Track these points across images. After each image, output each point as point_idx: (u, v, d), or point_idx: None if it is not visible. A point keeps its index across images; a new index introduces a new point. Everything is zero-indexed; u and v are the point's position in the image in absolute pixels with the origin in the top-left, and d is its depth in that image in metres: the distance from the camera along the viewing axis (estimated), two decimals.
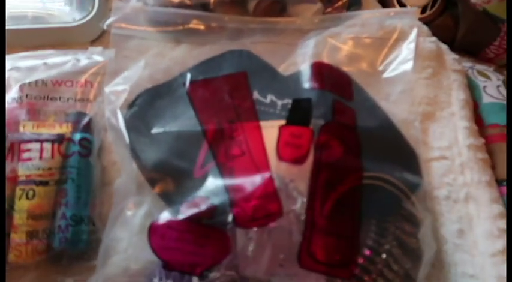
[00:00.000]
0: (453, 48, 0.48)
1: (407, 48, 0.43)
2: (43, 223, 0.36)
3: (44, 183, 0.37)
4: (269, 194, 0.34)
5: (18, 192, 0.37)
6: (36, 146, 0.38)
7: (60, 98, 0.42)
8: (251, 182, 0.35)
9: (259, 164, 0.36)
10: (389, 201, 0.37)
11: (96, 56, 0.45)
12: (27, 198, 0.37)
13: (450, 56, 0.47)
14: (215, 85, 0.40)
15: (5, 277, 0.34)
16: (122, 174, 0.39)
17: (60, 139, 0.39)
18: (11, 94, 0.41)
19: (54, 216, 0.37)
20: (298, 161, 0.36)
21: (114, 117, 0.40)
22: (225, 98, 0.40)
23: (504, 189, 0.40)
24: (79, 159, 0.39)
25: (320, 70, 0.41)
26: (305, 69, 0.41)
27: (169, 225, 0.34)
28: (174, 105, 0.40)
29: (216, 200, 0.34)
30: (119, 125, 0.39)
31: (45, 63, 0.44)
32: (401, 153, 0.40)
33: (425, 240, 0.36)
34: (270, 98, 0.40)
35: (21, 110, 0.40)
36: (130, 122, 0.40)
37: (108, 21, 0.44)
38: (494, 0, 0.41)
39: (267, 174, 0.35)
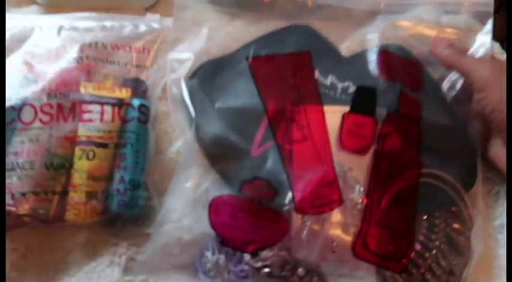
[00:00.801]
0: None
1: (481, 40, 0.43)
2: (102, 185, 0.37)
3: (104, 146, 0.37)
4: (329, 182, 0.35)
5: (78, 152, 0.37)
6: (97, 108, 0.38)
7: (118, 62, 0.42)
8: (312, 168, 0.35)
9: (321, 151, 0.36)
10: (443, 199, 0.37)
11: (154, 23, 0.45)
12: (88, 158, 0.37)
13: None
14: (278, 62, 0.40)
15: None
16: (182, 146, 0.39)
17: (120, 103, 0.39)
18: (71, 54, 0.41)
19: (113, 178, 0.37)
20: (360, 151, 0.36)
21: (176, 86, 0.40)
22: (287, 77, 0.39)
23: None
24: (138, 125, 0.39)
25: (388, 60, 0.40)
26: (371, 55, 0.41)
27: (231, 203, 0.35)
28: (235, 80, 0.40)
29: (277, 184, 0.35)
30: (183, 95, 0.39)
31: (103, 26, 0.43)
32: (462, 150, 0.40)
33: (475, 239, 0.37)
34: (330, 79, 0.40)
35: (81, 70, 0.40)
36: (193, 93, 0.39)
37: None
38: None
39: (328, 163, 0.36)
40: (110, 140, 0.38)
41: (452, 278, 0.36)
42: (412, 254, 0.35)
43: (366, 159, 0.36)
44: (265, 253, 0.34)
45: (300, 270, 0.34)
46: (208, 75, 0.40)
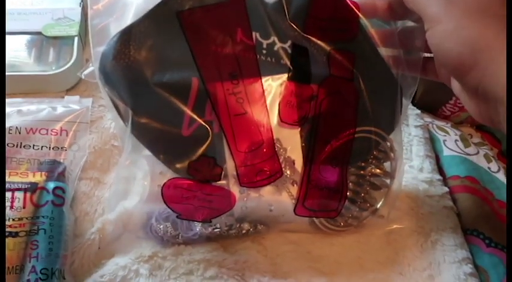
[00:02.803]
0: (414, 104, 0.53)
1: None
2: (12, 278, 0.34)
3: (13, 235, 0.35)
4: (269, 157, 0.37)
5: None
6: (8, 195, 0.37)
7: (34, 146, 0.41)
8: (253, 143, 0.37)
9: (261, 125, 0.37)
10: (369, 147, 0.40)
11: (72, 104, 0.45)
12: None
13: (413, 112, 0.51)
14: (213, 17, 0.35)
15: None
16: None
17: (33, 188, 0.38)
18: None
19: (23, 269, 0.35)
20: (298, 122, 0.38)
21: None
22: (226, 40, 0.35)
23: (471, 238, 0.42)
24: (52, 209, 0.37)
25: (319, 9, 0.36)
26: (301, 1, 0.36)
27: (182, 186, 0.37)
28: (168, 44, 0.35)
29: (220, 161, 0.37)
30: (104, 81, 0.36)
31: (19, 111, 0.43)
32: (390, 100, 0.39)
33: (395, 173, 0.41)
34: (254, 36, 0.36)
35: None
36: (119, 73, 0.35)
37: (85, 71, 0.45)
38: None
39: (268, 137, 0.37)
40: (21, 228, 0.36)
41: (372, 208, 0.41)
42: (346, 202, 0.40)
43: (305, 129, 0.38)
44: (215, 220, 0.39)
45: (246, 225, 0.40)
46: (136, 44, 0.34)
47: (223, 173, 0.37)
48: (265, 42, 0.36)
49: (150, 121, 0.36)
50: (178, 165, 0.37)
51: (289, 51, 0.36)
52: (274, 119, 0.37)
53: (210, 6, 0.35)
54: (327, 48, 0.36)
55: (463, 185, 0.45)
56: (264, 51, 0.36)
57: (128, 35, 0.35)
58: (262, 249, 0.41)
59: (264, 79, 0.37)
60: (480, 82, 0.29)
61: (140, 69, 0.35)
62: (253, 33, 0.36)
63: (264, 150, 0.37)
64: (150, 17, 0.35)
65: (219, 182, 0.38)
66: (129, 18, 0.35)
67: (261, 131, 0.37)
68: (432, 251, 0.42)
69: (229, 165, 0.37)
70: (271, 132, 0.37)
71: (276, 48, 0.36)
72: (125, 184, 0.41)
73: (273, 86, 0.38)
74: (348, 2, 0.36)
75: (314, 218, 0.41)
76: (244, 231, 0.41)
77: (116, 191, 0.41)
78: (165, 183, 0.37)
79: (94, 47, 0.36)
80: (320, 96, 0.38)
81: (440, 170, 0.47)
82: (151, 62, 0.35)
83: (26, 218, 0.36)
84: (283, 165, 0.39)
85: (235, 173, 0.37)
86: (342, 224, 0.41)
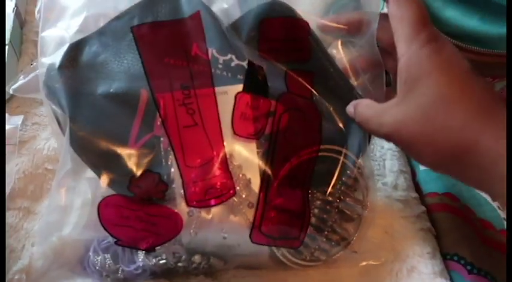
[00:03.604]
0: None
1: None
2: None
3: None
4: (221, 173, 0.34)
5: None
6: None
7: None
8: (203, 157, 0.34)
9: (212, 139, 0.34)
10: (334, 169, 0.36)
11: None
12: None
13: None
14: (167, 31, 0.35)
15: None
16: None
17: None
18: None
19: None
20: (254, 135, 0.34)
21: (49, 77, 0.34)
22: (178, 51, 0.35)
23: (452, 263, 0.38)
24: None
25: (270, 31, 0.35)
26: (251, 24, 0.35)
27: (121, 203, 0.33)
28: (119, 57, 0.35)
29: (166, 178, 0.33)
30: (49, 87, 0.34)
31: None
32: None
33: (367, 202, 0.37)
34: (211, 52, 0.35)
35: None
36: (66, 82, 0.34)
37: (15, 85, 0.39)
38: None
39: (219, 151, 0.34)
40: None
41: (344, 242, 0.37)
42: (309, 230, 0.35)
43: (260, 144, 0.35)
44: (159, 248, 0.34)
45: (196, 258, 0.35)
46: (84, 56, 0.35)
47: (168, 190, 0.33)
48: (221, 58, 0.35)
49: (92, 133, 0.34)
50: (119, 182, 0.33)
51: (235, 63, 0.35)
52: (228, 132, 0.34)
53: (164, 22, 0.35)
54: (283, 68, 0.36)
55: (441, 203, 0.41)
56: (220, 66, 0.35)
57: (77, 47, 0.35)
58: None
59: (217, 90, 0.35)
60: None
61: (85, 79, 0.34)
62: (210, 50, 0.35)
63: (215, 165, 0.34)
64: (102, 31, 0.35)
65: (165, 202, 0.34)
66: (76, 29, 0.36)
67: (213, 144, 0.34)
68: (408, 280, 0.37)
69: (177, 184, 0.33)
70: (224, 146, 0.34)
71: (233, 64, 0.35)
72: (59, 214, 0.36)
73: (227, 98, 0.35)
74: (297, 21, 0.36)
75: (274, 249, 0.36)
76: (195, 265, 0.36)
77: (49, 222, 0.36)
78: (101, 200, 0.33)
79: (41, 57, 0.36)
80: (278, 111, 0.35)
81: (416, 187, 0.43)
82: (98, 73, 0.34)
83: None
84: (237, 184, 0.34)
85: (182, 191, 0.33)
86: (307, 257, 0.36)
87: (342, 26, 0.36)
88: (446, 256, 0.39)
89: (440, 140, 0.28)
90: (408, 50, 0.30)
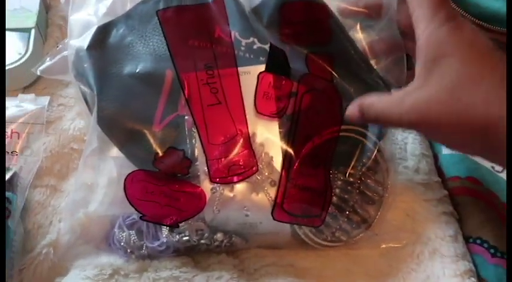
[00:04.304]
0: None
1: None
2: None
3: None
4: (244, 150, 0.35)
5: None
6: None
7: None
8: (226, 135, 0.35)
9: (236, 116, 0.35)
10: (356, 150, 0.36)
11: (27, 103, 0.40)
12: None
13: None
14: (191, 15, 0.36)
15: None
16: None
17: None
18: None
19: None
20: (277, 114, 0.35)
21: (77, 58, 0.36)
22: (202, 33, 0.36)
23: (474, 246, 0.38)
24: None
25: (290, 15, 0.36)
26: (272, 9, 0.36)
27: (146, 179, 0.34)
28: (145, 39, 0.36)
29: (190, 155, 0.34)
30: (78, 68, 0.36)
31: None
32: None
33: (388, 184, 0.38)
34: (233, 34, 0.37)
35: None
36: (95, 62, 0.36)
37: (42, 67, 0.40)
38: None
39: (243, 128, 0.35)
40: None
41: (365, 224, 0.37)
42: (330, 209, 0.35)
43: (282, 123, 0.35)
44: (183, 225, 0.35)
45: (219, 235, 0.35)
46: (112, 38, 0.36)
47: (192, 167, 0.34)
48: (244, 41, 0.36)
49: (118, 111, 0.35)
50: (144, 158, 0.34)
51: (257, 45, 0.36)
52: (251, 111, 0.35)
53: (189, 6, 0.36)
54: (304, 51, 0.36)
55: (464, 186, 0.41)
56: (243, 48, 0.36)
57: (105, 29, 0.37)
58: (238, 264, 0.37)
59: (240, 70, 0.36)
60: None
61: (112, 60, 0.36)
62: (233, 32, 0.36)
63: (239, 143, 0.35)
64: (129, 15, 0.37)
65: (189, 179, 0.35)
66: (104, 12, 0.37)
67: (236, 122, 0.35)
68: (430, 263, 0.37)
69: (201, 161, 0.34)
70: (247, 124, 0.35)
71: (255, 47, 0.36)
72: (85, 191, 0.37)
73: (250, 77, 0.36)
74: (317, 4, 0.36)
75: (297, 228, 0.36)
76: (217, 243, 0.36)
77: (75, 199, 0.37)
78: (127, 176, 0.34)
79: (69, 39, 0.37)
80: (300, 92, 0.36)
81: (438, 171, 0.42)
82: (125, 55, 0.36)
83: None
84: (259, 162, 0.35)
85: (206, 168, 0.34)
86: (328, 237, 0.36)
87: (361, 9, 0.37)
88: (469, 239, 0.38)
89: (468, 118, 0.27)
90: (426, 29, 0.29)
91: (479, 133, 0.27)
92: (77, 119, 0.42)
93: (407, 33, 0.33)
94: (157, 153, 0.34)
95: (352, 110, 0.32)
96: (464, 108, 0.28)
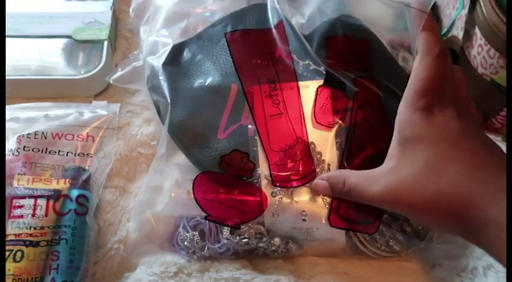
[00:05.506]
0: None
1: None
2: None
3: (34, 244, 0.34)
4: (303, 157, 0.37)
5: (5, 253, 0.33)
6: (30, 202, 0.35)
7: (59, 152, 0.40)
8: (287, 143, 0.38)
9: (296, 126, 0.38)
10: None
11: (100, 109, 0.44)
12: (14, 260, 0.33)
13: None
14: (255, 37, 0.41)
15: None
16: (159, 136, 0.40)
17: (56, 195, 0.36)
18: (8, 145, 0.39)
19: (43, 281, 0.33)
20: (333, 125, 0.38)
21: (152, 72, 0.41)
22: (265, 53, 0.40)
23: None
24: (75, 218, 0.36)
25: (335, 48, 0.41)
26: (318, 41, 0.41)
27: (213, 179, 0.37)
28: (214, 57, 0.41)
29: (253, 159, 0.37)
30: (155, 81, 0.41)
31: (46, 115, 0.42)
32: None
33: None
34: (295, 58, 0.41)
35: (17, 162, 0.38)
36: (169, 77, 0.40)
37: (114, 76, 0.43)
38: (501, 71, 0.41)
39: (302, 137, 0.38)
40: (42, 237, 0.34)
41: (417, 237, 0.38)
42: (383, 217, 0.37)
43: (338, 134, 0.38)
44: (243, 226, 0.37)
45: (276, 240, 0.37)
46: (185, 56, 0.41)
47: (255, 170, 0.37)
48: (301, 62, 0.40)
49: (188, 119, 0.39)
50: (209, 162, 0.37)
51: (324, 72, 0.40)
52: (309, 122, 0.39)
53: (253, 30, 0.41)
54: (352, 76, 0.40)
55: None
56: (301, 68, 0.40)
57: (179, 48, 0.42)
58: (294, 269, 0.38)
59: (300, 84, 0.40)
60: None
61: (184, 75, 0.40)
62: (291, 54, 0.40)
63: (298, 150, 0.38)
64: (200, 36, 0.42)
65: (252, 180, 0.37)
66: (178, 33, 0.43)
67: (296, 131, 0.38)
68: (484, 278, 0.38)
69: (263, 166, 0.37)
70: (306, 133, 0.38)
71: (311, 68, 0.40)
72: (152, 193, 0.39)
73: (309, 91, 0.40)
74: (356, 39, 0.41)
75: (352, 235, 0.37)
76: (274, 248, 0.38)
77: (143, 200, 0.39)
78: (197, 176, 0.37)
79: (147, 56, 0.42)
80: (354, 107, 0.39)
81: None
82: (196, 71, 0.41)
83: (48, 227, 0.35)
84: (317, 169, 0.37)
85: (268, 173, 0.37)
86: (382, 246, 0.37)
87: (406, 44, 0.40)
88: None
89: (435, 205, 0.29)
90: (404, 109, 0.32)
91: (450, 218, 0.29)
92: (144, 125, 0.45)
93: None
94: (224, 155, 0.37)
95: (320, 183, 0.36)
96: (431, 195, 0.29)
